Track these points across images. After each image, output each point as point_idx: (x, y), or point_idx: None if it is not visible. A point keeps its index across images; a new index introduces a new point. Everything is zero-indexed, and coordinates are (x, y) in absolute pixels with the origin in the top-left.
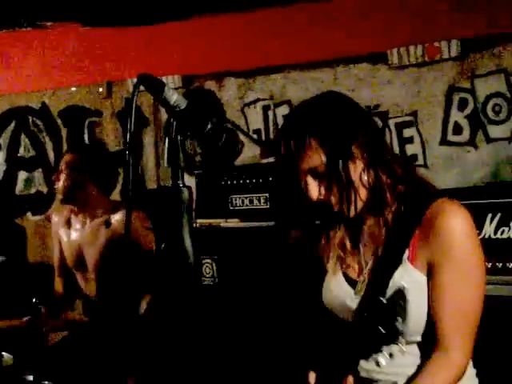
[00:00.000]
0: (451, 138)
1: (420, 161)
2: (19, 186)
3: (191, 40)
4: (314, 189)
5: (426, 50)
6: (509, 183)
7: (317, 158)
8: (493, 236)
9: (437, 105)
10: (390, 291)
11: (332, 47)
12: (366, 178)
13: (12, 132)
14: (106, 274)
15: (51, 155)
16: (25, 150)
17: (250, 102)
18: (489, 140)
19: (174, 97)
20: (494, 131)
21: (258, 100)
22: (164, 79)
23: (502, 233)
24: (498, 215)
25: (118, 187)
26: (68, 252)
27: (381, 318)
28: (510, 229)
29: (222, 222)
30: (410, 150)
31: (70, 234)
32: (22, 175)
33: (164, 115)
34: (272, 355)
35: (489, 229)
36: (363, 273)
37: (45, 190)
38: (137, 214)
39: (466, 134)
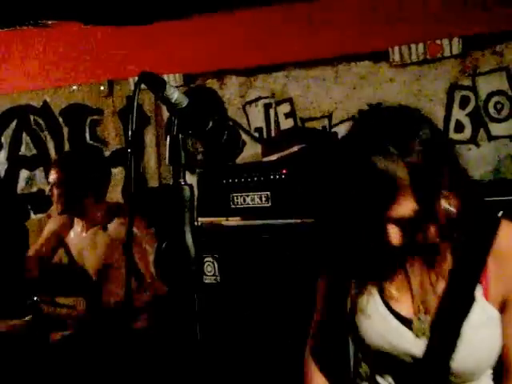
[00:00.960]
0: (453, 135)
1: None
2: (21, 185)
3: (192, 38)
4: (397, 236)
5: (428, 47)
6: (510, 181)
7: (408, 206)
8: None
9: (438, 103)
10: (465, 333)
11: (333, 45)
12: (447, 210)
13: (13, 131)
14: (106, 278)
15: (53, 154)
16: (26, 148)
17: (251, 100)
18: (490, 138)
19: (176, 95)
20: (496, 129)
21: (259, 98)
22: (165, 78)
23: None
24: (500, 213)
25: (119, 186)
26: (72, 255)
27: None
28: None
29: (224, 221)
30: None
31: (74, 240)
32: (24, 174)
33: (166, 113)
34: (275, 353)
35: None
36: (420, 310)
37: (46, 188)
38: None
39: (467, 132)
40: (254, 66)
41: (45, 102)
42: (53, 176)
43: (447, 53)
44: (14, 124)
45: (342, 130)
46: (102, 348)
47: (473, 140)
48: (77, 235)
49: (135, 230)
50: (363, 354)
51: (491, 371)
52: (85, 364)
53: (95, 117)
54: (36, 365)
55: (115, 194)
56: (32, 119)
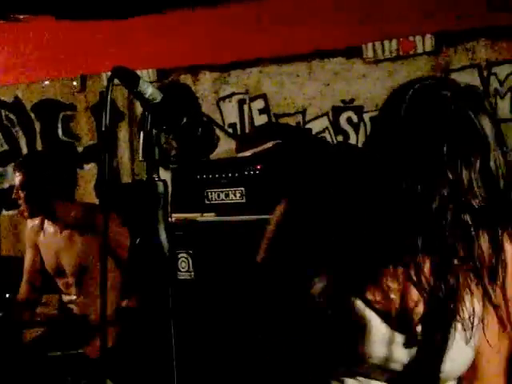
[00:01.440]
0: None
1: None
2: None
3: (166, 34)
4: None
5: (401, 44)
6: None
7: None
8: None
9: None
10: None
11: (307, 41)
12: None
13: None
14: (84, 278)
15: (24, 149)
16: None
17: (225, 96)
18: None
19: (149, 90)
20: None
21: (233, 94)
22: (139, 73)
23: None
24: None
25: (92, 182)
26: (46, 259)
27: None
28: None
29: (198, 217)
30: None
31: (46, 240)
32: None
33: (139, 109)
34: (249, 350)
35: None
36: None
37: None
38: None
39: None
40: (227, 61)
41: (16, 98)
42: (16, 179)
43: (420, 49)
44: None
45: (315, 126)
46: (79, 345)
47: None
48: (51, 236)
49: (110, 227)
50: (348, 365)
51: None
52: (63, 361)
53: (68, 112)
54: (7, 362)
55: (88, 190)
56: (3, 115)
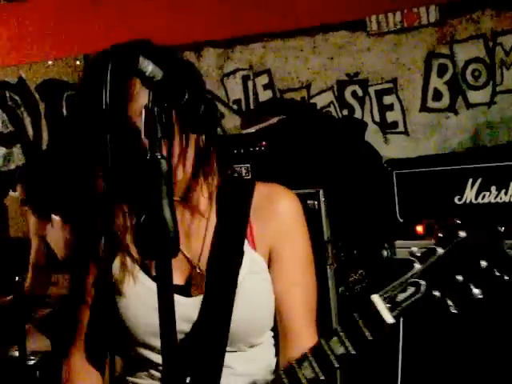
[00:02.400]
0: (431, 104)
1: (400, 128)
2: None
3: (168, 11)
4: None
5: (405, 16)
6: (489, 148)
7: None
8: (474, 201)
9: (416, 71)
10: (239, 284)
11: (310, 15)
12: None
13: None
14: None
15: (30, 130)
16: (3, 125)
17: (229, 72)
18: (468, 105)
19: (150, 67)
20: (474, 96)
21: (237, 70)
22: None
23: (483, 197)
24: (479, 180)
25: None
26: (56, 247)
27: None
28: (490, 193)
29: None
30: (390, 117)
31: (55, 232)
32: (1, 151)
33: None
34: None
35: (470, 194)
36: (193, 272)
37: None
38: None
39: (445, 100)
40: (231, 37)
41: (20, 78)
42: (19, 193)
43: (424, 21)
44: None
45: (320, 101)
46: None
47: (451, 108)
48: (59, 229)
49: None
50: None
51: (272, 340)
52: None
53: (72, 92)
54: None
55: None
56: (8, 96)
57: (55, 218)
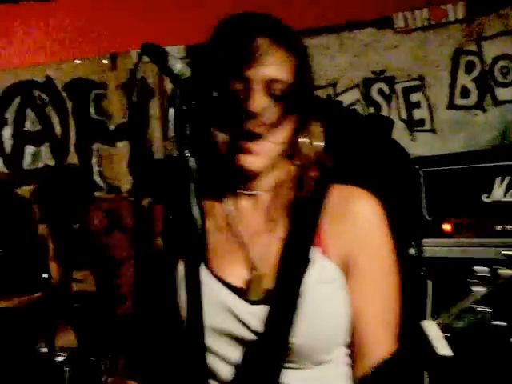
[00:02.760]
0: (458, 101)
1: (427, 125)
2: (27, 161)
3: (195, 9)
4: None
5: (432, 13)
6: None
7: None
8: (502, 199)
9: (443, 68)
10: (304, 292)
11: (337, 12)
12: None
13: (17, 107)
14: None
15: (58, 129)
16: (31, 124)
17: None
18: (496, 103)
19: (178, 66)
20: (502, 94)
21: None
22: (168, 49)
23: None
24: (507, 178)
25: (125, 161)
26: None
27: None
28: None
29: None
30: (418, 114)
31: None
32: (29, 150)
33: (169, 86)
34: None
35: (498, 192)
36: (256, 268)
37: (52, 163)
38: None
39: (473, 98)
40: None
41: (48, 77)
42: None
43: (451, 17)
44: (17, 100)
45: (347, 98)
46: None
47: (479, 105)
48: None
49: None
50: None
51: (346, 358)
52: (95, 336)
53: (99, 91)
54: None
55: (121, 169)
56: (36, 94)
57: None
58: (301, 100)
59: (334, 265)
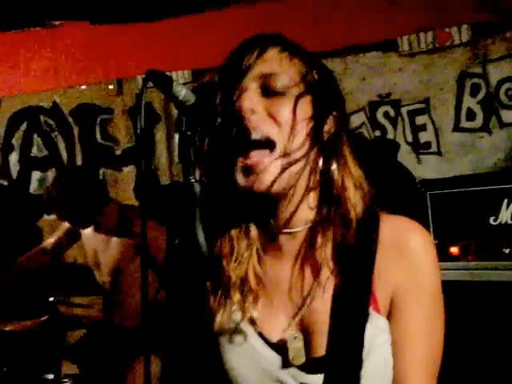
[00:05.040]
0: (464, 124)
1: (433, 148)
2: (33, 186)
3: (201, 34)
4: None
5: (437, 36)
6: None
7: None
8: (509, 221)
9: (449, 91)
10: (366, 360)
11: (341, 36)
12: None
13: (24, 132)
14: (120, 278)
15: (64, 154)
16: (37, 149)
17: None
18: (502, 125)
19: (183, 92)
20: (508, 116)
21: None
22: (174, 74)
23: None
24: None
25: (131, 185)
26: (87, 252)
27: None
28: None
29: None
30: (423, 137)
31: (85, 238)
32: (36, 175)
33: (175, 111)
34: None
35: (505, 214)
36: (295, 325)
37: None
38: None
39: (479, 120)
40: None
41: (54, 103)
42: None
43: (456, 41)
44: (24, 125)
45: (353, 122)
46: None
47: (485, 128)
48: (89, 236)
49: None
50: None
51: None
52: (102, 361)
53: (105, 116)
54: (56, 363)
55: (127, 193)
56: (42, 120)
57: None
58: (316, 105)
59: (384, 319)
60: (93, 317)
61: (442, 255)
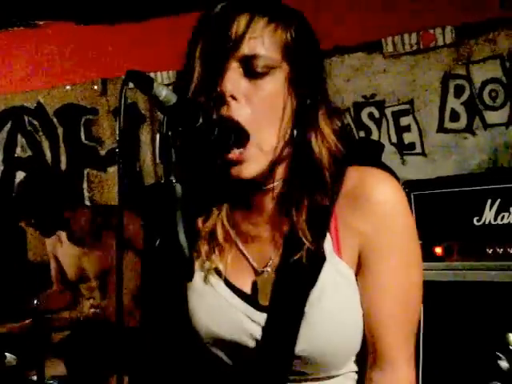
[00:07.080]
0: (448, 125)
1: (418, 149)
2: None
3: (185, 35)
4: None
5: (421, 37)
6: (507, 169)
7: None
8: (493, 222)
9: (433, 92)
10: (313, 300)
11: (326, 37)
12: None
13: (8, 132)
14: (107, 279)
15: (48, 154)
16: (22, 150)
17: None
18: (486, 126)
19: (164, 92)
20: (491, 117)
21: None
22: (159, 75)
23: (502, 218)
24: (498, 201)
25: (116, 186)
26: (67, 268)
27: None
28: (510, 214)
29: None
30: (408, 138)
31: (65, 251)
32: (20, 175)
33: None
34: None
35: (489, 214)
36: (259, 278)
37: None
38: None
39: (463, 121)
40: None
41: (39, 103)
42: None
43: (440, 42)
44: (8, 125)
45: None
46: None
47: (468, 129)
48: (69, 245)
49: (133, 229)
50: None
51: (354, 372)
52: (87, 363)
53: (90, 116)
54: (40, 365)
55: (112, 194)
56: (26, 120)
57: (61, 233)
58: (297, 80)
59: (346, 266)
60: (74, 318)
61: (426, 255)
